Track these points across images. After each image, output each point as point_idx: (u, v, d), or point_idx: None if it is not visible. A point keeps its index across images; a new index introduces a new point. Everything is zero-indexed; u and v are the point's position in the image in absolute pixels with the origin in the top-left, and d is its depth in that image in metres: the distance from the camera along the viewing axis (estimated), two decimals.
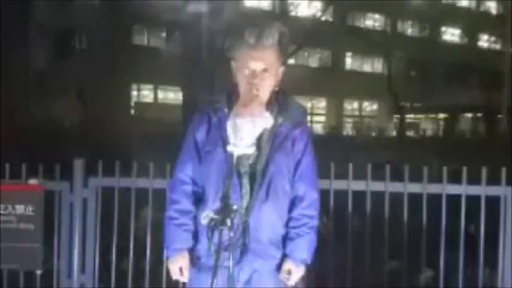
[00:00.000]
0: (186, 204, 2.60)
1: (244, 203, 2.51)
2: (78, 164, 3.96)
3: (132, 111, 27.21)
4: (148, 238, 3.93)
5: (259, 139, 2.49)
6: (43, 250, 3.88)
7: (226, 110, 2.56)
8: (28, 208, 3.85)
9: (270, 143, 2.54)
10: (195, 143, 2.60)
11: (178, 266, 2.60)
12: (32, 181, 3.88)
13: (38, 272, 3.91)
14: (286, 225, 2.60)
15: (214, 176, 2.53)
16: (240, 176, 2.51)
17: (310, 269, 2.68)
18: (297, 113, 2.62)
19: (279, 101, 2.60)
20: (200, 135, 2.59)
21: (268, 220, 2.54)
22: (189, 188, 2.61)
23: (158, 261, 3.78)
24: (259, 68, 2.53)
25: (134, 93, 28.31)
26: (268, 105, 2.55)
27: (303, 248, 2.59)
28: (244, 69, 2.54)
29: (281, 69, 2.61)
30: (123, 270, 4.09)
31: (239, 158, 2.47)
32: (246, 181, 2.52)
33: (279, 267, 2.59)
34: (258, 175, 2.52)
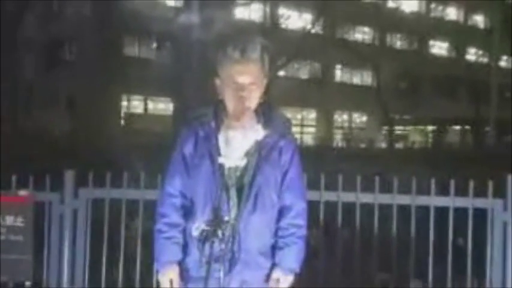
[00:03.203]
0: (175, 217, 2.61)
1: (233, 215, 2.53)
2: (69, 175, 3.96)
3: (122, 122, 27.19)
4: (139, 249, 3.92)
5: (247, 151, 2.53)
6: (33, 261, 3.87)
7: (213, 123, 2.59)
8: (18, 219, 3.84)
9: (256, 155, 2.56)
10: (183, 157, 2.62)
11: (168, 278, 2.61)
12: (22, 192, 3.87)
13: (28, 283, 3.89)
14: (275, 235, 2.61)
15: (202, 189, 2.56)
16: (227, 188, 2.54)
17: (299, 279, 2.70)
18: (281, 124, 2.64)
19: (264, 113, 2.63)
20: (188, 148, 2.61)
21: (256, 231, 2.56)
22: (177, 201, 2.62)
23: (149, 272, 3.78)
24: (247, 81, 2.56)
25: (124, 104, 28.25)
26: (255, 117, 2.59)
27: (292, 257, 2.61)
28: (232, 84, 2.56)
29: (264, 81, 2.65)
30: (113, 281, 4.07)
31: (229, 170, 2.50)
32: (233, 193, 2.55)
33: (268, 277, 2.61)
34: (245, 186, 2.53)
